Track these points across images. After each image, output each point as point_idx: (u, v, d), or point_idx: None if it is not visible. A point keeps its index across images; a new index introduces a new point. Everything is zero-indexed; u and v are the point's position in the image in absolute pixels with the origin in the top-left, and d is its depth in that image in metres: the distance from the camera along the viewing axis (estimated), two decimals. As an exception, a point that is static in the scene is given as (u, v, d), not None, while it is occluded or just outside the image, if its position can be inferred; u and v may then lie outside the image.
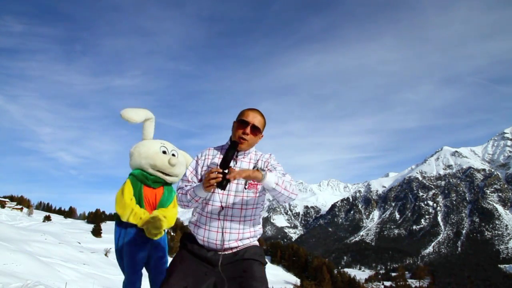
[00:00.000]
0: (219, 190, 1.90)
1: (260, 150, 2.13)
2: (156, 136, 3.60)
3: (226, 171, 1.76)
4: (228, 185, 1.84)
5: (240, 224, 1.92)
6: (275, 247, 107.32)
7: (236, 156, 2.00)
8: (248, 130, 1.93)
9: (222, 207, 1.91)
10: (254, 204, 1.97)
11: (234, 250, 1.93)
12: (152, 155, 3.26)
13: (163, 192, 3.29)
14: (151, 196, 3.19)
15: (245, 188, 1.93)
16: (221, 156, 2.00)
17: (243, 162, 2.01)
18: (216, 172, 1.75)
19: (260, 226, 2.05)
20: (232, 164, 1.94)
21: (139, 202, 3.11)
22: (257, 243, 2.06)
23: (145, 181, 3.19)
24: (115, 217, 3.25)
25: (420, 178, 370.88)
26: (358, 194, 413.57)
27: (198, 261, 1.92)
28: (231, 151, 1.82)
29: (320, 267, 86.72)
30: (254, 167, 1.96)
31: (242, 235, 1.91)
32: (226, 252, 1.92)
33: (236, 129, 1.97)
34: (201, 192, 1.86)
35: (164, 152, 3.34)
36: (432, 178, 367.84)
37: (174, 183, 3.49)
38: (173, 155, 3.41)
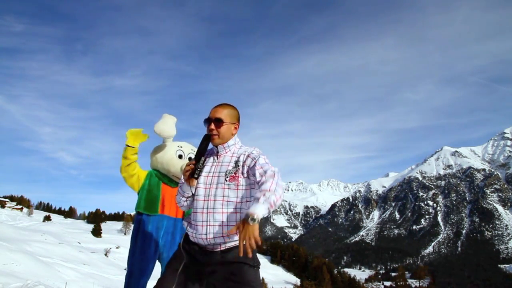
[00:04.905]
0: (201, 184, 1.99)
1: (260, 148, 2.11)
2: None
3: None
4: (211, 179, 1.98)
5: (224, 216, 1.91)
6: (275, 247, 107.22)
7: (217, 152, 2.07)
8: (211, 126, 2.01)
9: (205, 200, 1.96)
10: (237, 196, 1.95)
11: (223, 248, 1.92)
12: (167, 161, 3.20)
13: None
14: (170, 195, 3.18)
15: (226, 180, 1.94)
16: (206, 156, 2.08)
17: (226, 157, 2.04)
18: (191, 164, 1.95)
19: None
20: (214, 159, 2.06)
21: (156, 196, 3.13)
22: None
23: (162, 179, 3.23)
24: (136, 208, 3.23)
25: (420, 178, 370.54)
26: (358, 194, 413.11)
27: (191, 259, 1.97)
28: (203, 143, 1.98)
29: (320, 267, 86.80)
30: (236, 163, 1.99)
31: (227, 228, 1.90)
32: (214, 249, 1.92)
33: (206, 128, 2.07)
34: (186, 188, 2.00)
35: (180, 157, 3.24)
36: (432, 178, 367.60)
37: None
38: (190, 158, 3.28)
